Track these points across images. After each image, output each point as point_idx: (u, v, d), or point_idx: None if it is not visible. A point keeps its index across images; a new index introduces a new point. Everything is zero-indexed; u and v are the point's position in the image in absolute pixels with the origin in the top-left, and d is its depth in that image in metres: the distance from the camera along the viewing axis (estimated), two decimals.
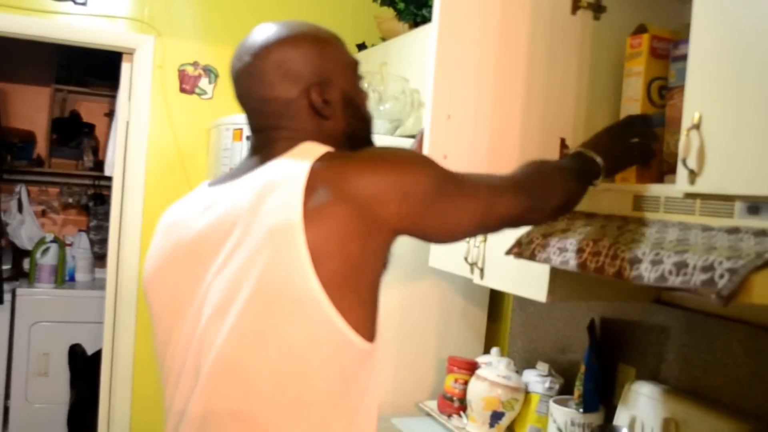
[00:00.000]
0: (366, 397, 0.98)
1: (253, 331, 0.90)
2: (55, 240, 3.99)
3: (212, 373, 0.93)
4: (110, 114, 4.27)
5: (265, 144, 1.05)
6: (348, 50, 1.12)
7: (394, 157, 0.97)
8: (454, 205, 0.99)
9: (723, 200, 1.10)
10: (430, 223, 0.97)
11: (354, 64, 1.11)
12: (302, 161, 0.94)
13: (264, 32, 1.06)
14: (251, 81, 1.04)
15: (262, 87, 1.04)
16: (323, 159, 0.95)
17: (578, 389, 1.70)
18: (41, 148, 4.30)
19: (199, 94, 2.94)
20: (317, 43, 1.06)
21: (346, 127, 1.07)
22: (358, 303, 0.91)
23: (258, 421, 0.91)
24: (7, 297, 3.68)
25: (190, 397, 0.96)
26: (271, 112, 1.04)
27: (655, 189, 1.22)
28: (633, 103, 1.35)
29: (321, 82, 1.04)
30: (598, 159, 1.17)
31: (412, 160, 0.98)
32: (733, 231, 1.04)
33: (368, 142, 1.13)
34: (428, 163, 0.99)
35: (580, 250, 1.20)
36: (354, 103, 1.09)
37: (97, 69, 4.14)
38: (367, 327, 0.93)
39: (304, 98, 1.03)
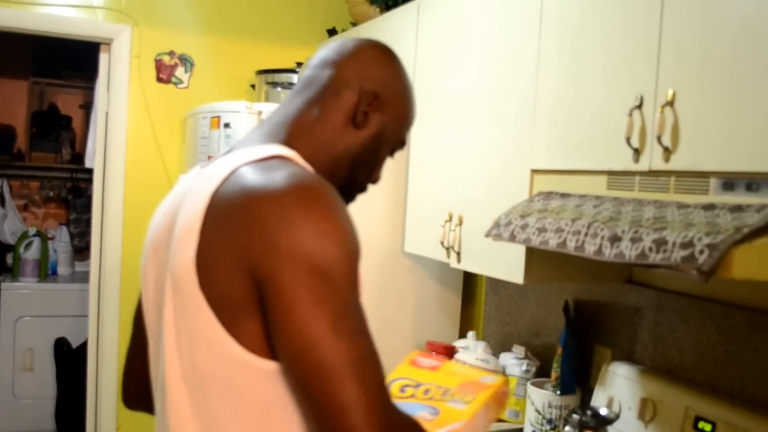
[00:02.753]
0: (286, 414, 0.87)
1: (172, 342, 0.89)
2: (38, 234, 3.95)
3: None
4: (85, 106, 4.22)
5: (267, 120, 1.01)
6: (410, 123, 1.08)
7: (318, 220, 0.80)
8: (325, 330, 0.77)
9: (698, 177, 1.10)
10: (284, 326, 0.79)
11: (406, 128, 1.07)
12: (222, 171, 0.86)
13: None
14: (335, 48, 1.03)
15: (337, 55, 1.01)
16: (231, 177, 0.85)
17: (555, 371, 1.70)
18: (21, 142, 4.26)
19: (175, 84, 2.91)
20: (406, 86, 1.05)
21: (355, 154, 1.00)
22: (254, 324, 0.83)
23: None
24: None
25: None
26: (315, 77, 1.01)
27: (630, 167, 1.22)
28: None
29: (378, 101, 1.00)
30: None
31: (331, 240, 0.79)
32: (709, 207, 1.04)
33: (345, 189, 1.01)
34: (343, 263, 0.80)
35: (559, 230, 1.20)
36: (375, 148, 1.02)
37: (72, 60, 4.08)
38: (266, 346, 0.83)
39: (355, 94, 0.99)
